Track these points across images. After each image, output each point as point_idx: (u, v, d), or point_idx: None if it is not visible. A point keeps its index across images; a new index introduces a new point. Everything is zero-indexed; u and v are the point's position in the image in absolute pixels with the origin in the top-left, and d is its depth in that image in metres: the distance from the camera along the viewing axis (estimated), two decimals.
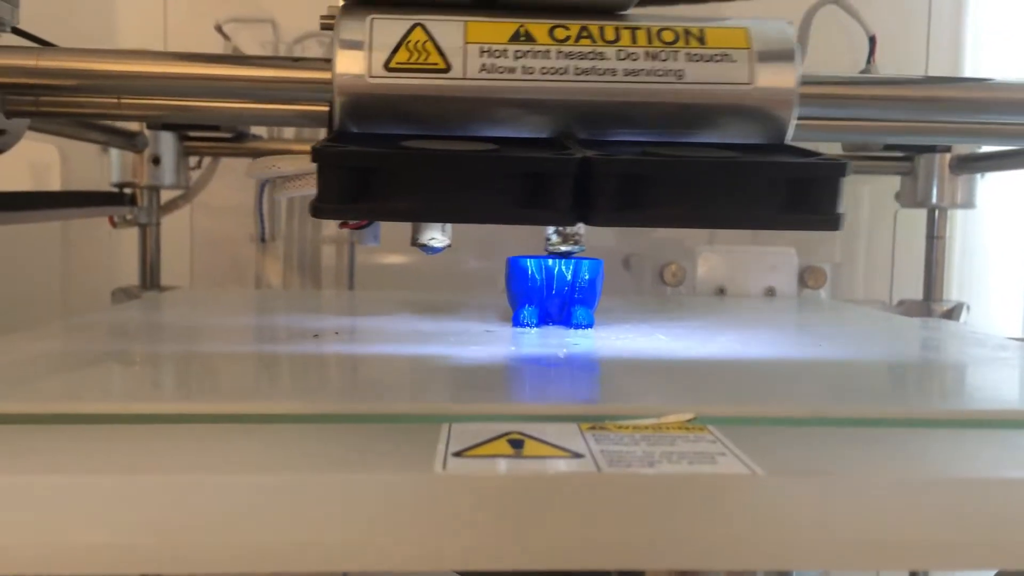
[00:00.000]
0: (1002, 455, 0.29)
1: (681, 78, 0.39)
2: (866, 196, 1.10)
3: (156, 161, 0.87)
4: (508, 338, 0.48)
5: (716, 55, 0.39)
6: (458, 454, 0.26)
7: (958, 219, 1.04)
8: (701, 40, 0.39)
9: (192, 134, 0.89)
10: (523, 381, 0.40)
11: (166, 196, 0.92)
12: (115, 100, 0.47)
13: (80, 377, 0.37)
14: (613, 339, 0.49)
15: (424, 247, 0.49)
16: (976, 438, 0.30)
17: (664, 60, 0.39)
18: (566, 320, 0.53)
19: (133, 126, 0.84)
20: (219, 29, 0.90)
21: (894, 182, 0.96)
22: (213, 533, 0.24)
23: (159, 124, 0.85)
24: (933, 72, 1.04)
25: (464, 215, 0.35)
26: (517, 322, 0.53)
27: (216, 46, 0.89)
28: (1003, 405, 0.36)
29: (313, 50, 0.95)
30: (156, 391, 0.36)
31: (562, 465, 0.26)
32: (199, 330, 0.53)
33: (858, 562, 0.24)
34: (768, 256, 0.80)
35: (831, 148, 0.94)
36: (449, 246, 0.49)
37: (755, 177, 0.35)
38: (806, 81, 0.40)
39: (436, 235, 0.48)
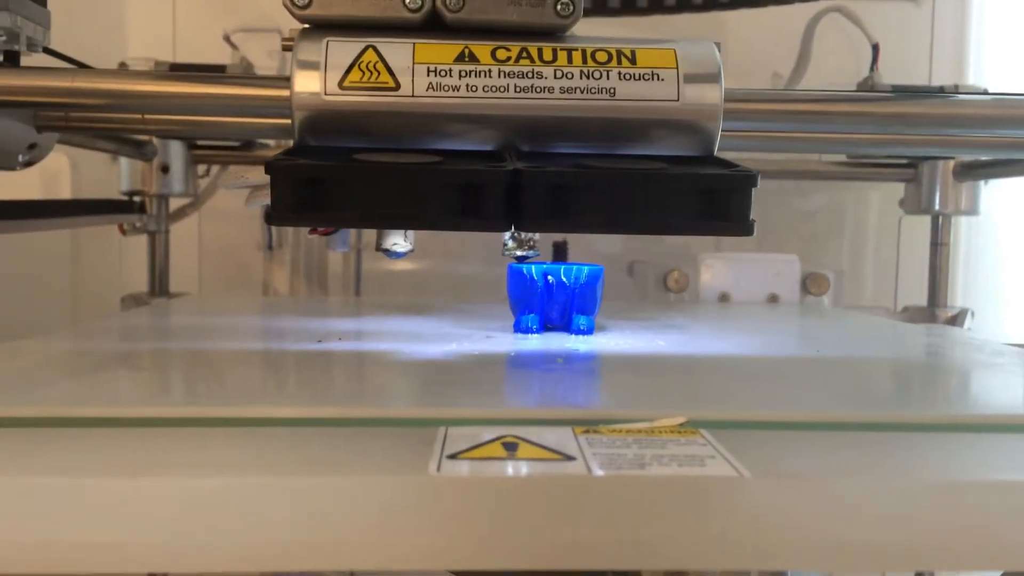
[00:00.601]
0: (992, 459, 0.29)
1: (613, 95, 0.42)
2: (874, 202, 1.11)
3: (165, 169, 0.88)
4: (508, 343, 0.49)
5: (646, 74, 0.42)
6: (453, 456, 0.27)
7: (962, 226, 1.05)
8: (632, 60, 0.42)
9: (200, 143, 0.90)
10: (520, 386, 0.41)
11: (175, 204, 0.93)
12: (140, 116, 0.52)
13: (88, 382, 0.38)
14: (612, 345, 0.49)
15: (387, 251, 0.52)
16: (967, 442, 0.31)
17: (598, 79, 0.42)
18: (567, 326, 0.53)
19: (143, 136, 0.85)
20: (227, 39, 0.91)
21: (901, 188, 0.96)
22: (213, 534, 0.24)
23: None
24: (937, 78, 1.05)
25: (406, 222, 0.39)
26: (518, 328, 0.53)
27: (224, 55, 0.90)
28: (996, 410, 0.37)
29: None
30: (159, 396, 0.37)
31: (554, 467, 0.26)
32: (205, 336, 0.54)
33: (840, 562, 0.25)
34: (771, 263, 0.80)
35: (837, 155, 0.95)
36: (412, 251, 0.52)
37: (671, 187, 0.38)
38: (731, 98, 0.43)
39: (399, 240, 0.51)
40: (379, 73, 0.41)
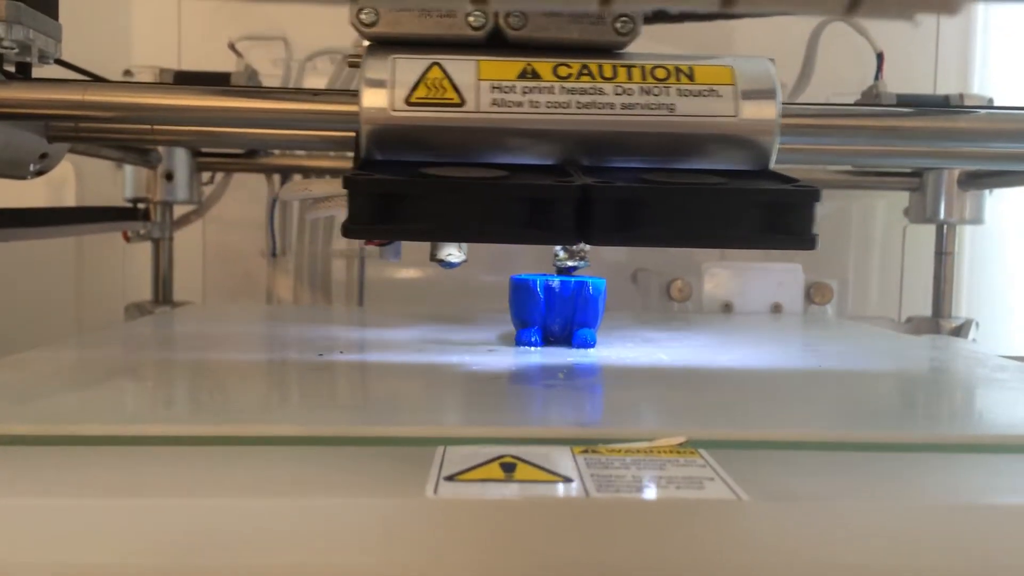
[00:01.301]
0: (995, 481, 0.29)
1: (673, 111, 0.43)
2: (879, 211, 1.10)
3: (169, 177, 0.88)
4: (510, 357, 0.49)
5: (704, 90, 0.43)
6: (450, 478, 0.27)
7: (967, 235, 1.04)
8: (691, 76, 0.43)
9: (205, 150, 0.90)
10: (520, 403, 0.41)
11: (179, 211, 0.94)
12: (149, 127, 0.54)
13: (84, 398, 0.38)
14: (613, 359, 0.49)
15: (442, 262, 0.52)
16: (969, 463, 0.30)
17: (657, 95, 0.43)
18: (569, 339, 0.53)
19: (151, 145, 0.85)
20: (232, 47, 0.91)
21: (906, 196, 0.96)
22: (208, 556, 0.24)
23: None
24: (941, 87, 1.04)
25: (477, 236, 0.39)
26: (520, 341, 0.53)
27: (228, 62, 0.90)
28: (999, 430, 0.36)
29: (324, 67, 0.95)
30: (155, 413, 0.37)
31: (552, 490, 0.26)
32: (205, 350, 0.54)
33: None
34: (774, 272, 0.80)
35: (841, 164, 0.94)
36: (465, 261, 0.53)
37: (735, 202, 0.39)
38: (787, 113, 0.44)
39: (453, 251, 0.52)
40: (445, 89, 0.42)
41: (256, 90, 0.48)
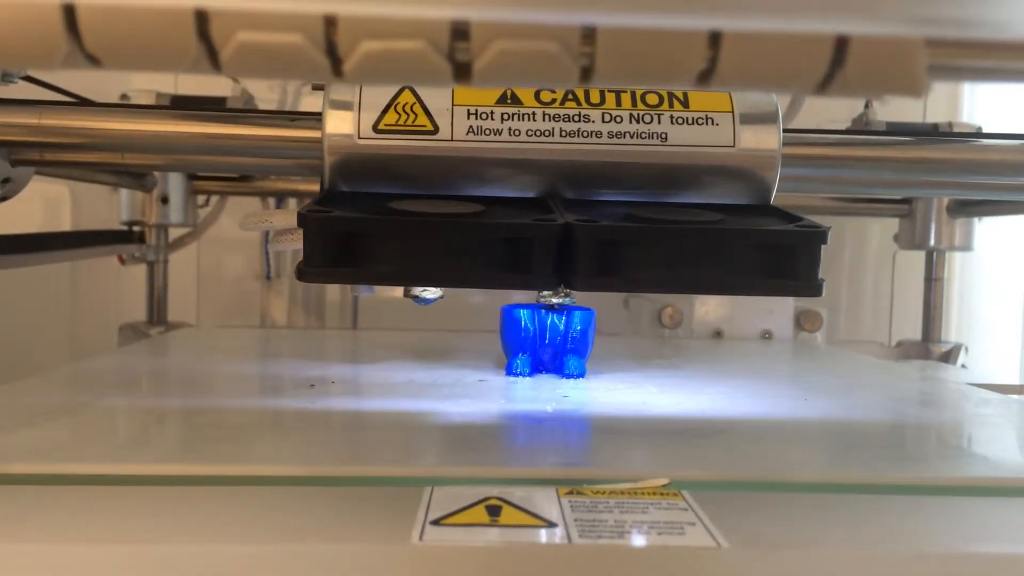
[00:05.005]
0: (977, 526, 0.29)
1: (665, 140, 0.40)
2: (870, 237, 1.11)
3: (164, 200, 0.89)
4: (499, 390, 0.49)
5: (699, 118, 0.40)
6: (436, 522, 0.27)
7: (956, 261, 1.05)
8: (684, 103, 0.40)
9: (201, 174, 0.90)
10: (508, 441, 0.41)
11: (174, 233, 0.94)
12: (118, 154, 0.49)
13: (55, 439, 0.38)
14: (603, 391, 0.50)
15: (416, 298, 0.49)
16: (953, 507, 0.31)
17: (648, 123, 0.39)
18: (558, 369, 0.54)
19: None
20: None
21: (896, 223, 0.97)
22: None
23: None
24: (931, 109, 1.05)
25: (448, 280, 0.36)
26: (510, 371, 0.54)
27: (225, 87, 0.91)
28: (981, 472, 0.37)
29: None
30: (144, 452, 0.37)
31: (535, 535, 0.27)
32: (197, 382, 0.54)
33: None
34: (764, 300, 0.81)
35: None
36: (441, 297, 0.50)
37: (735, 244, 0.36)
38: (789, 142, 0.41)
39: (424, 286, 0.49)
40: (416, 115, 0.39)
41: (216, 114, 0.45)
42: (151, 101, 0.85)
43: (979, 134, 0.84)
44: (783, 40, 0.19)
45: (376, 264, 0.35)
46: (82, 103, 0.53)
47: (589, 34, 0.20)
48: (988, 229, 0.96)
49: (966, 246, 0.94)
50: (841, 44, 0.19)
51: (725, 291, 0.38)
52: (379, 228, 0.35)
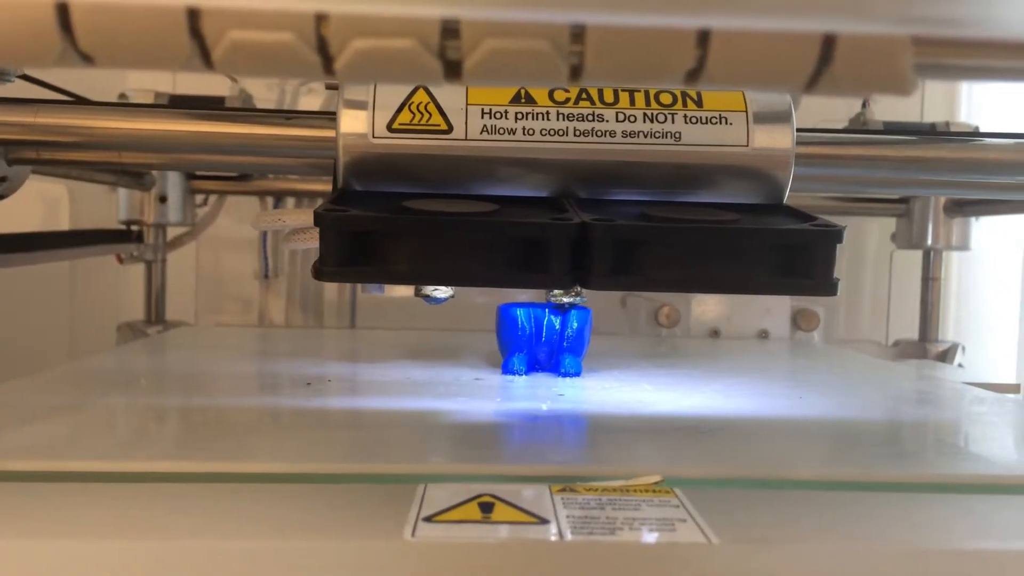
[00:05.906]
0: (967, 523, 0.29)
1: (679, 140, 0.40)
2: (868, 236, 1.11)
3: (163, 199, 0.89)
4: (495, 388, 0.50)
5: (713, 117, 0.40)
6: (428, 519, 0.27)
7: (954, 260, 1.05)
8: (698, 102, 0.40)
9: (199, 173, 0.90)
10: (502, 438, 0.41)
11: (172, 233, 0.94)
12: (115, 153, 0.49)
13: (55, 435, 0.38)
14: (598, 390, 0.50)
15: (427, 298, 0.49)
16: (946, 504, 0.31)
17: (662, 122, 0.40)
18: (554, 368, 0.54)
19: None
20: None
21: (894, 222, 0.97)
22: None
23: None
24: (928, 108, 1.05)
25: (463, 279, 0.36)
26: (506, 370, 0.54)
27: (223, 86, 0.91)
28: (975, 469, 0.37)
29: (319, 89, 0.96)
30: (139, 449, 0.37)
31: (527, 532, 0.27)
32: (194, 380, 0.54)
33: None
34: (761, 299, 0.81)
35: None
36: (452, 296, 0.50)
37: (750, 243, 0.36)
38: (802, 141, 0.41)
39: (440, 286, 0.49)
40: (430, 115, 0.39)
41: (224, 113, 0.45)
42: (149, 100, 0.85)
43: (977, 133, 0.84)
44: (771, 39, 0.19)
45: (392, 263, 0.35)
46: (78, 101, 0.53)
47: (578, 33, 0.20)
48: (985, 229, 0.96)
49: (963, 246, 0.94)
50: (828, 42, 0.19)
51: (741, 290, 0.38)
52: (396, 227, 0.35)
